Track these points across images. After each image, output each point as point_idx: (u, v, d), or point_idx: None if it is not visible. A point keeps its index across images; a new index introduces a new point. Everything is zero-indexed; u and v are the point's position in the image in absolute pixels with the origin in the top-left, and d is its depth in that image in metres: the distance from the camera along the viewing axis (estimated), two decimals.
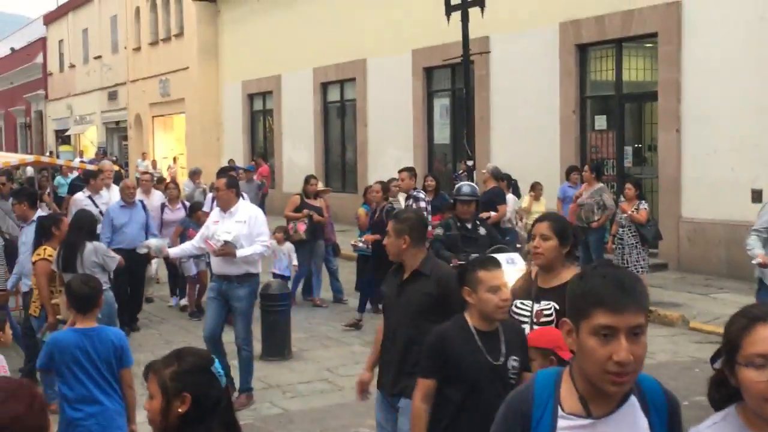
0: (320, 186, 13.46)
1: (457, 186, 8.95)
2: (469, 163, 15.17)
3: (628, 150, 15.93)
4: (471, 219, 8.55)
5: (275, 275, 12.29)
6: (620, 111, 15.99)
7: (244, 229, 8.06)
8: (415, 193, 11.95)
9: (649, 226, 11.56)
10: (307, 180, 12.96)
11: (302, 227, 12.28)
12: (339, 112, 24.43)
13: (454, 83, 19.54)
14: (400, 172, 12.42)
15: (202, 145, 30.44)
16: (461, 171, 16.67)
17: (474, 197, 8.65)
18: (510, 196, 13.55)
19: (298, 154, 25.62)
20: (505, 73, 17.83)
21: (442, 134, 20.51)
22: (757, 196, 13.07)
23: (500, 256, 7.83)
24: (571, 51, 16.26)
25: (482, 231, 8.53)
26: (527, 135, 17.18)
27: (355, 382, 5.50)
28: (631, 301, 2.20)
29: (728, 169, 13.43)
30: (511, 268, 7.68)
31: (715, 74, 13.62)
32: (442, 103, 20.49)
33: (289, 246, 12.46)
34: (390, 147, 21.47)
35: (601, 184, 12.92)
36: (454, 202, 8.72)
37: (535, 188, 14.34)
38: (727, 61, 13.43)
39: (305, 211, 12.36)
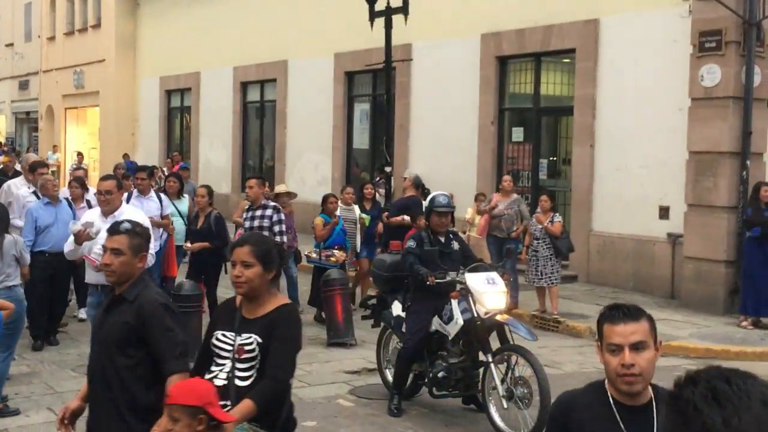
0: (282, 188, 12.86)
1: (431, 196, 8.25)
2: (387, 169, 15.25)
3: (544, 163, 16.21)
4: (444, 233, 8.02)
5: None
6: (537, 124, 16.26)
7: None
8: (264, 203, 10.69)
9: (563, 239, 11.78)
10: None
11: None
12: (258, 113, 24.24)
13: (376, 89, 19.60)
14: (248, 179, 11.19)
15: (117, 140, 29.81)
16: (378, 178, 16.75)
17: (450, 208, 8.01)
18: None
19: (216, 154, 25.33)
20: (426, 82, 17.95)
21: (362, 140, 20.53)
22: (664, 212, 13.46)
23: (478, 276, 7.69)
24: (492, 62, 16.46)
25: (455, 245, 8.03)
26: (446, 144, 17.32)
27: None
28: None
29: (638, 185, 13.78)
30: (491, 289, 7.56)
31: (629, 92, 13.97)
32: (362, 109, 20.50)
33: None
34: (309, 150, 21.38)
35: (517, 195, 13.11)
36: (428, 213, 8.01)
37: (478, 199, 13.76)
38: (640, 80, 13.79)
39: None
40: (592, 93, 14.59)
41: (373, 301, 8.99)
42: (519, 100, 16.79)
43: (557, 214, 12.03)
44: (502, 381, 7.26)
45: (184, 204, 12.31)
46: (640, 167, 13.77)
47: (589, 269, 14.53)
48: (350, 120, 20.61)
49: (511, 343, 7.56)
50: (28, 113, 38.24)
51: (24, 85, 37.78)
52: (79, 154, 29.61)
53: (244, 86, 24.29)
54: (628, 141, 13.97)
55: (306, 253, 12.04)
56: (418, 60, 17.96)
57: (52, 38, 34.79)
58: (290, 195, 12.74)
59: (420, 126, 18.20)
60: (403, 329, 7.97)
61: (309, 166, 21.22)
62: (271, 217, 10.49)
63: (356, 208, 12.59)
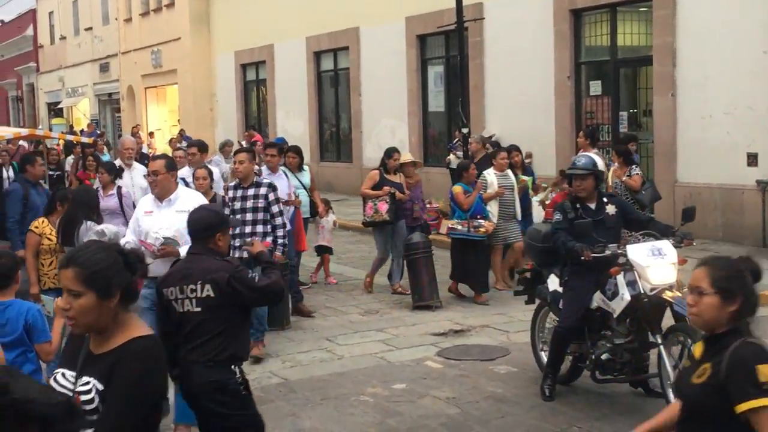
0: (407, 158, 11.80)
1: (573, 159, 7.58)
2: (464, 131, 15.16)
3: (624, 115, 15.89)
4: (594, 197, 7.11)
5: (322, 248, 12.35)
6: (615, 76, 15.92)
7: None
8: (257, 180, 9.10)
9: (644, 191, 11.53)
10: (389, 153, 11.42)
11: (384, 207, 10.96)
12: (332, 82, 24.31)
13: (449, 50, 19.45)
14: (236, 153, 9.72)
15: (196, 116, 30.30)
16: (456, 140, 16.68)
17: (592, 170, 7.03)
18: None
19: (292, 124, 25.54)
20: (499, 40, 17.73)
21: (437, 102, 20.44)
22: (752, 159, 13.08)
23: (641, 248, 6.73)
24: (566, 16, 16.16)
25: (610, 210, 7.09)
26: (522, 102, 17.12)
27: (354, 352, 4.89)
28: None
29: (724, 133, 13.41)
30: (657, 262, 6.63)
31: (710, 39, 13.56)
32: (436, 71, 20.39)
33: (333, 216, 12.54)
34: (384, 116, 21.40)
35: (596, 150, 12.88)
36: (569, 178, 7.32)
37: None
38: (721, 26, 13.37)
39: (386, 188, 11.03)
40: (671, 41, 14.20)
41: (528, 274, 8.07)
42: (595, 53, 16.46)
43: (635, 166, 11.75)
44: (674, 366, 6.35)
45: (306, 176, 11.65)
46: (725, 114, 13.39)
47: (676, 221, 14.21)
48: (424, 83, 20.52)
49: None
50: (109, 95, 39.09)
51: (104, 68, 38.60)
52: (151, 134, 30.18)
53: (317, 56, 24.38)
54: (711, 88, 13.58)
55: (450, 225, 11.11)
56: (490, 18, 17.74)
57: (128, 20, 35.41)
58: (416, 164, 12.00)
59: (495, 86, 18.02)
60: (560, 306, 7.19)
61: (386, 132, 21.22)
62: (266, 197, 8.72)
63: (510, 173, 11.69)
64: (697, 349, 3.38)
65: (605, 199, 7.18)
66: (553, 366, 7.22)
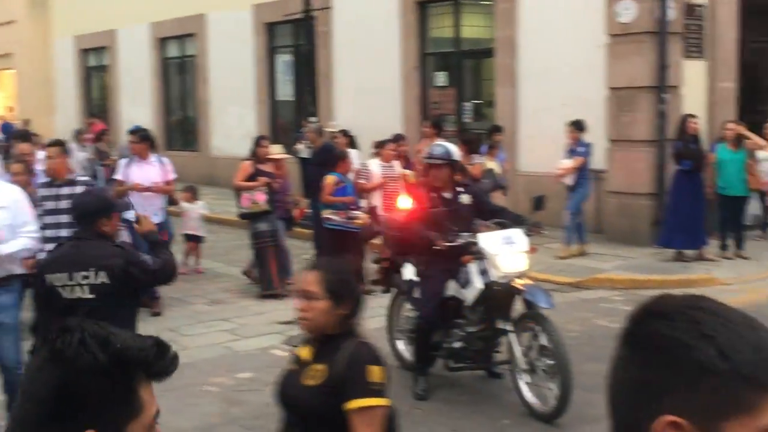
0: (277, 152, 11.44)
1: (429, 148, 7.59)
2: (313, 120, 15.16)
3: (468, 106, 16.29)
4: (449, 186, 7.11)
5: (189, 236, 12.04)
6: (459, 67, 16.30)
7: (6, 217, 6.10)
8: (71, 177, 8.38)
9: (484, 181, 11.86)
10: (258, 141, 11.22)
11: (262, 197, 10.68)
12: (178, 69, 23.79)
13: (297, 39, 19.38)
14: (47, 146, 8.86)
15: (35, 102, 29.03)
16: (304, 128, 16.65)
17: (447, 159, 7.05)
18: (353, 152, 13.65)
19: (137, 112, 24.80)
20: (347, 30, 17.80)
21: (285, 91, 20.34)
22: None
23: (493, 236, 6.77)
24: (412, 8, 16.40)
25: (464, 199, 7.12)
26: (370, 92, 17.26)
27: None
28: None
29: (561, 123, 13.92)
30: (508, 250, 6.69)
31: (548, 32, 14.04)
32: (284, 60, 20.29)
33: (200, 204, 12.19)
34: (232, 104, 21.12)
35: (442, 140, 13.13)
36: (427, 167, 7.26)
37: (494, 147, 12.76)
38: (558, 20, 13.87)
39: (262, 179, 10.71)
40: (512, 34, 14.65)
41: (384, 263, 7.93)
42: (441, 45, 16.79)
43: (477, 155, 12.07)
44: (525, 352, 6.55)
45: None
46: (562, 105, 13.91)
47: (517, 209, 14.65)
48: (273, 72, 20.39)
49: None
50: None
51: None
52: None
53: (162, 42, 23.79)
54: (549, 80, 14.09)
55: (325, 215, 10.87)
56: (338, 8, 17.79)
57: None
58: (280, 158, 11.58)
59: (343, 75, 18.09)
60: (416, 295, 7.11)
61: (233, 121, 20.97)
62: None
63: (397, 164, 11.62)
64: (304, 352, 3.38)
65: (460, 189, 7.19)
66: (421, 360, 7.13)
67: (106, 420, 1.47)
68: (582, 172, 12.24)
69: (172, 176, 10.33)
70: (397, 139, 12.39)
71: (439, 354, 7.18)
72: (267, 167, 10.97)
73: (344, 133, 14.53)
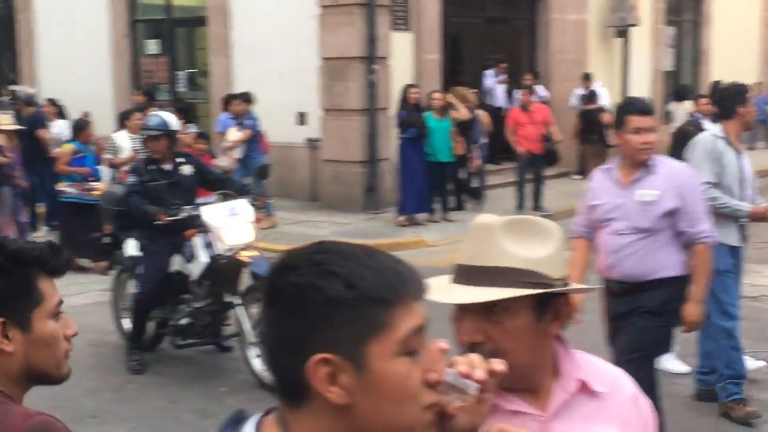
0: (5, 124, 9.94)
1: (146, 118, 7.33)
2: (16, 88, 14.25)
3: (182, 75, 15.99)
4: (168, 158, 6.88)
5: None
6: (172, 36, 15.93)
7: None
8: None
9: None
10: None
11: None
12: None
13: None
14: None
15: None
16: (5, 96, 15.60)
17: (165, 130, 6.82)
18: (62, 122, 13.02)
19: None
20: None
21: None
22: (301, 119, 13.89)
23: (217, 208, 6.58)
24: None
25: (186, 170, 6.91)
26: (77, 60, 16.41)
27: None
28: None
29: (277, 93, 14.03)
30: (233, 221, 6.53)
31: (262, 2, 14.08)
32: None
33: None
34: None
35: (156, 110, 12.80)
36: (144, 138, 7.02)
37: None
38: None
39: None
40: (224, 3, 14.52)
41: (107, 239, 7.50)
42: (151, 12, 16.30)
43: (192, 124, 11.88)
44: (254, 325, 6.41)
45: None
46: (278, 75, 14.00)
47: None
48: None
49: None
50: None
51: None
52: None
53: None
54: (264, 50, 14.12)
55: (59, 188, 10.14)
56: None
57: None
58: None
59: (47, 42, 17.05)
60: (140, 271, 6.89)
61: None
62: None
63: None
64: None
65: (181, 160, 6.98)
66: (136, 336, 6.93)
67: (12, 309, 1.87)
68: (252, 145, 12.20)
69: None
70: (142, 109, 11.92)
71: (166, 331, 7.02)
72: None
73: (52, 102, 13.80)
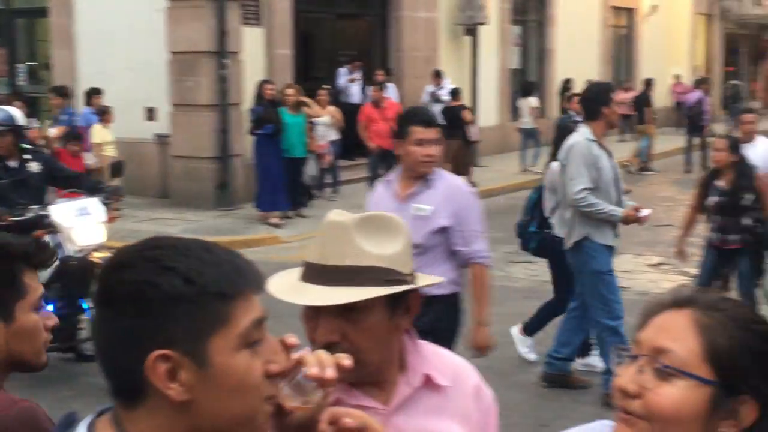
0: None
1: None
2: None
3: (22, 67, 15.37)
4: (14, 154, 6.49)
5: None
6: (11, 26, 15.27)
7: None
8: None
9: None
10: None
11: None
12: None
13: None
14: None
15: None
16: None
17: (10, 125, 6.46)
18: None
19: None
20: None
21: None
22: (150, 114, 13.56)
23: (66, 207, 6.28)
24: None
25: (33, 167, 6.54)
26: None
27: None
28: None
29: (124, 88, 13.63)
30: (83, 221, 6.27)
31: None
32: None
33: None
34: None
35: None
36: None
37: (105, 113, 12.16)
38: None
39: None
40: None
41: None
42: None
43: (34, 120, 11.43)
44: None
45: None
46: (125, 69, 13.61)
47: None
48: None
49: None
50: None
51: None
52: None
53: None
54: (110, 44, 13.70)
55: None
56: None
57: None
58: None
59: None
60: None
61: None
62: None
63: None
64: None
65: (28, 156, 6.60)
66: None
67: None
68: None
69: None
70: None
71: None
72: None
73: None
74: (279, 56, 14.11)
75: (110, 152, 11.89)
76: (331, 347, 1.60)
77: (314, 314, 1.71)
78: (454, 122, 14.90)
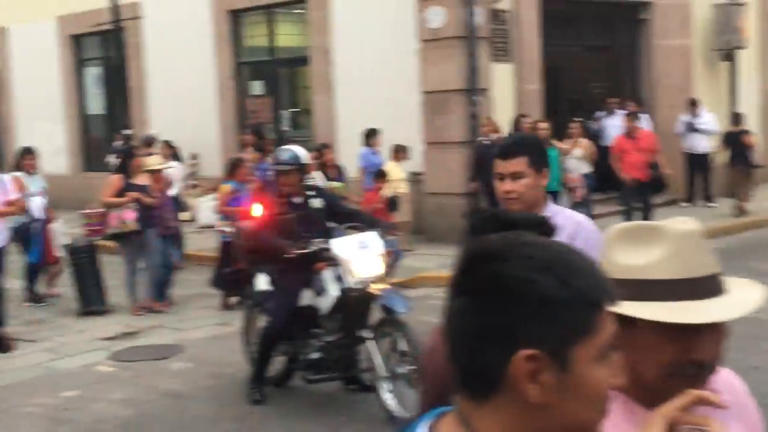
0: (155, 164, 10.45)
1: (276, 152, 7.42)
2: (128, 132, 14.78)
3: (285, 114, 16.35)
4: (297, 192, 6.83)
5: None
6: (275, 76, 16.32)
7: None
8: None
9: None
10: (129, 153, 10.27)
11: (131, 215, 9.81)
12: None
13: (107, 51, 18.81)
14: None
15: None
16: (119, 141, 16.21)
17: (296, 164, 6.75)
18: (176, 164, 13.46)
19: None
20: (159, 40, 17.43)
21: (96, 105, 19.70)
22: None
23: (347, 241, 6.56)
24: (224, 16, 16.28)
25: (316, 204, 6.85)
26: (185, 103, 16.97)
27: None
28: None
29: (378, 127, 14.16)
30: (363, 254, 6.48)
31: (361, 39, 14.29)
32: (94, 73, 19.65)
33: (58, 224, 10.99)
34: (39, 120, 20.21)
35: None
36: (276, 174, 6.95)
37: (399, 151, 12.97)
38: (370, 27, 14.14)
39: (131, 194, 9.85)
40: (326, 42, 14.80)
41: (237, 275, 7.60)
42: (256, 53, 16.75)
43: None
44: (385, 359, 6.33)
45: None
46: (378, 110, 14.16)
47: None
48: (81, 85, 19.70)
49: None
50: None
51: None
52: None
53: None
54: (365, 86, 14.31)
55: (218, 228, 10.23)
56: (148, 18, 17.39)
57: None
58: (160, 167, 10.69)
59: (157, 86, 17.70)
60: (269, 306, 6.89)
61: (41, 137, 20.05)
62: None
63: (319, 174, 11.30)
64: None
65: (311, 193, 6.92)
66: (259, 368, 6.90)
67: None
68: None
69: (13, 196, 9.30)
70: (321, 148, 12.52)
71: (297, 366, 6.95)
72: (140, 180, 10.09)
73: (167, 144, 14.31)
74: (528, 91, 14.15)
75: (402, 189, 12.52)
76: (704, 366, 1.60)
77: (680, 334, 1.61)
78: (736, 148, 14.54)
